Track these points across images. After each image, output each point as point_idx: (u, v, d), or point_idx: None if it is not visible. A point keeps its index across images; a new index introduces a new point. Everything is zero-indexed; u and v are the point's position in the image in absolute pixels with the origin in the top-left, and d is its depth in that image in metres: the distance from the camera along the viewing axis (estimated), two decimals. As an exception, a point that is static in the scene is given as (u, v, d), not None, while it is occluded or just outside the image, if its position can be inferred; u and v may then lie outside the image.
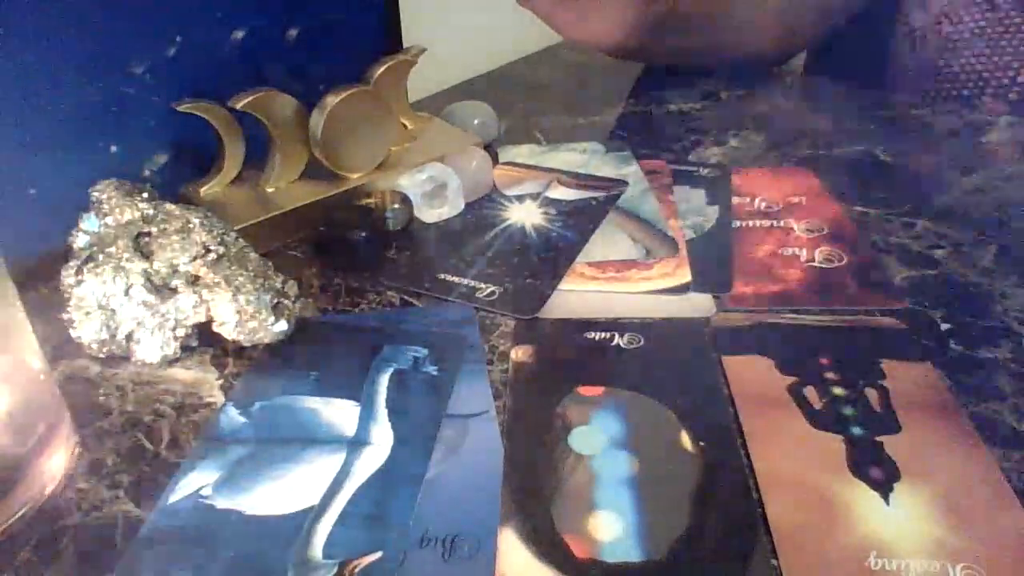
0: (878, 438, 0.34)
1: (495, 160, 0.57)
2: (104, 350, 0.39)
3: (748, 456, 0.33)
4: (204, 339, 0.40)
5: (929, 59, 0.77)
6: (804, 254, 0.47)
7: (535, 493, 0.32)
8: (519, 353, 0.39)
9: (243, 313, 0.38)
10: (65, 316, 0.38)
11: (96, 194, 0.41)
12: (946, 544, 0.29)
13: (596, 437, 0.34)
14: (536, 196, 0.53)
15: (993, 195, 0.53)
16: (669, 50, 0.70)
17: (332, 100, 0.47)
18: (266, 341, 0.39)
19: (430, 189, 0.50)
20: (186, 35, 0.48)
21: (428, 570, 0.29)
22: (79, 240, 0.40)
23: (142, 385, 0.38)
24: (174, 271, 0.38)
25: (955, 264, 0.46)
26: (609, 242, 0.48)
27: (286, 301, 0.39)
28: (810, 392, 0.36)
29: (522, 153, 0.59)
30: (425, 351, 0.39)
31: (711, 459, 0.33)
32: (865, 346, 0.39)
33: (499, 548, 0.29)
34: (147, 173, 0.50)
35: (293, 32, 0.54)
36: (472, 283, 0.44)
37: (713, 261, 0.46)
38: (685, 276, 0.45)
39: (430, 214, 0.50)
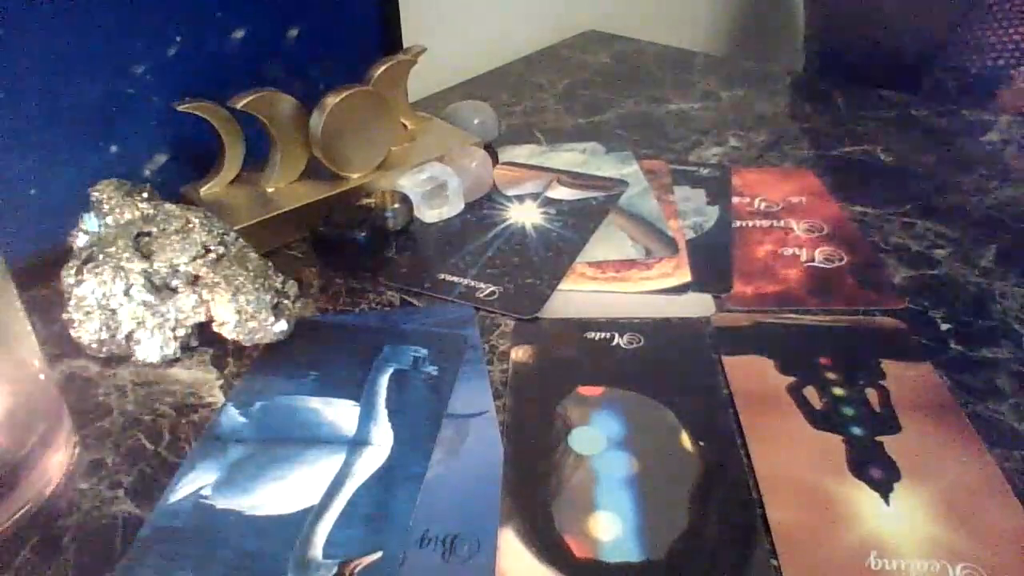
0: (878, 438, 0.34)
1: (495, 160, 0.57)
2: (104, 350, 0.38)
3: (748, 456, 0.33)
4: (204, 339, 0.40)
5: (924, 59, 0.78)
6: (804, 254, 0.47)
7: (535, 493, 0.32)
8: (519, 353, 0.39)
9: (243, 313, 0.38)
10: (65, 316, 0.38)
11: (96, 194, 0.41)
12: (946, 544, 0.29)
13: (596, 437, 0.34)
14: (536, 196, 0.53)
15: (993, 195, 0.53)
16: None
17: (332, 100, 0.47)
18: (266, 341, 0.39)
19: (430, 189, 0.50)
20: (186, 35, 0.48)
21: (428, 570, 0.29)
22: (79, 240, 0.40)
23: (142, 385, 0.38)
24: (174, 271, 0.38)
25: (955, 264, 0.46)
26: (609, 242, 0.48)
27: (286, 301, 0.39)
28: (810, 392, 0.36)
29: (522, 153, 0.59)
30: (425, 351, 0.39)
31: (711, 459, 0.33)
32: (865, 346, 0.39)
33: (499, 548, 0.29)
34: (147, 173, 0.50)
35: (293, 32, 0.54)
36: (472, 283, 0.44)
37: (713, 261, 0.46)
38: (685, 276, 0.45)
39: (430, 214, 0.50)
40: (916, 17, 0.82)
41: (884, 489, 0.31)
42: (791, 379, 0.37)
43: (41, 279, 0.43)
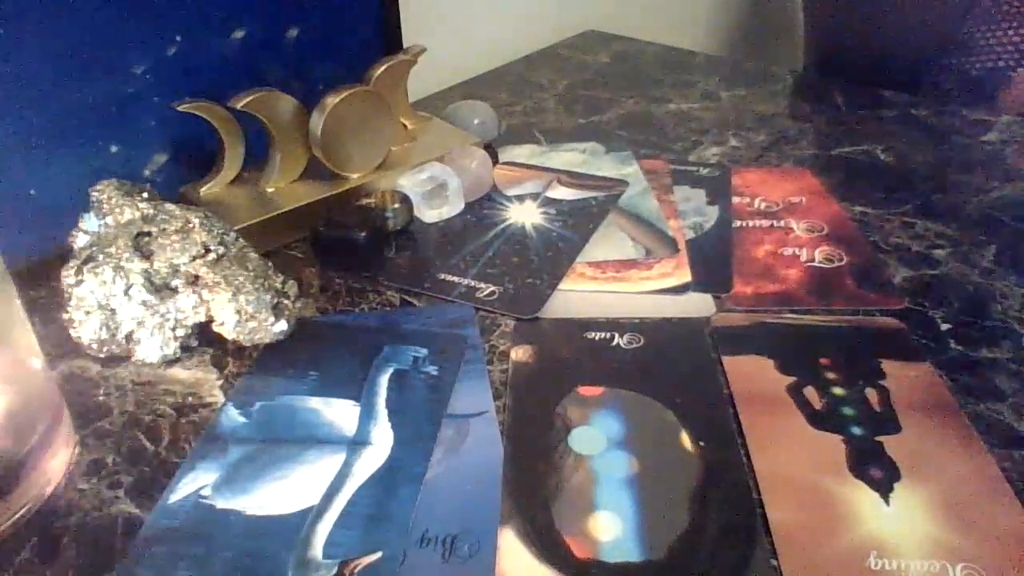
0: (878, 438, 0.34)
1: (495, 160, 0.57)
2: (104, 350, 0.38)
3: (748, 456, 0.33)
4: (204, 339, 0.40)
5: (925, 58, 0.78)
6: (804, 254, 0.47)
7: (535, 493, 0.32)
8: (519, 353, 0.39)
9: (243, 313, 0.38)
10: (65, 316, 0.38)
11: (96, 194, 0.41)
12: (946, 544, 0.29)
13: (596, 437, 0.34)
14: (536, 196, 0.53)
15: (993, 195, 0.53)
16: None
17: (332, 100, 0.47)
18: (266, 341, 0.39)
19: (430, 189, 0.50)
20: (186, 35, 0.48)
21: (428, 570, 0.29)
22: (79, 240, 0.40)
23: (142, 385, 0.38)
24: (174, 271, 0.38)
25: (955, 264, 0.46)
26: (609, 242, 0.48)
27: (286, 301, 0.39)
28: (810, 392, 0.36)
29: (522, 153, 0.59)
30: (425, 351, 0.39)
31: (711, 459, 0.33)
32: (865, 346, 0.39)
33: (499, 548, 0.29)
34: (147, 173, 0.50)
35: (293, 32, 0.54)
36: (472, 283, 0.44)
37: (713, 261, 0.46)
38: (685, 276, 0.45)
39: (430, 214, 0.50)
40: (916, 18, 0.82)
41: (884, 489, 0.31)
42: (791, 379, 0.37)
43: (41, 279, 0.43)
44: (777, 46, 1.19)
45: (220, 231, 0.40)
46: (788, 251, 0.47)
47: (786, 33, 1.17)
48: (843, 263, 0.46)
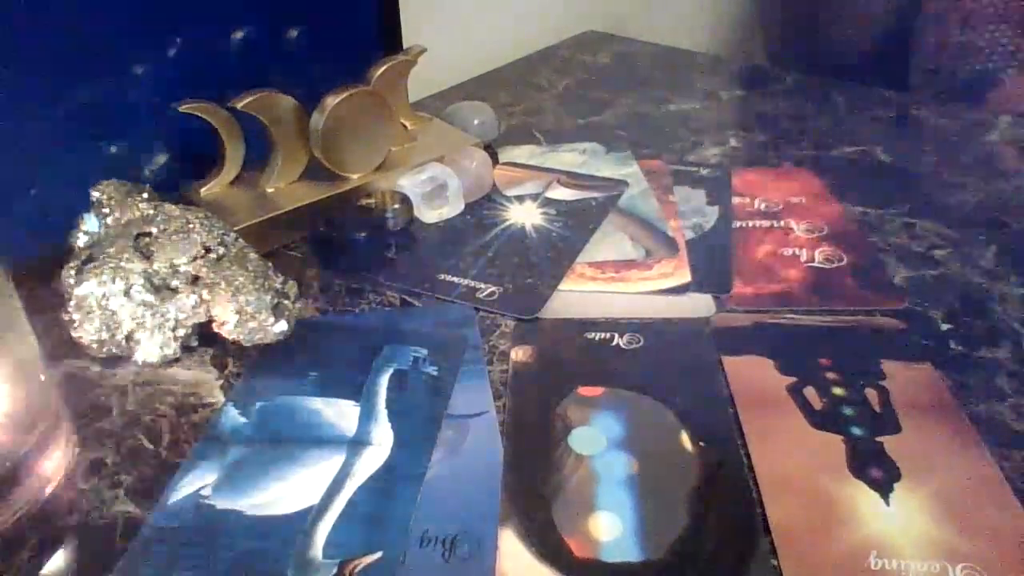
0: (878, 438, 0.34)
1: (495, 160, 0.57)
2: (104, 350, 0.38)
3: (748, 456, 0.33)
4: (204, 339, 0.40)
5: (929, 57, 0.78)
6: (804, 254, 0.47)
7: (535, 493, 0.32)
8: (519, 353, 0.39)
9: (243, 313, 0.38)
10: (65, 316, 0.38)
11: (96, 194, 0.41)
12: (946, 544, 0.29)
13: (596, 437, 0.34)
14: (536, 196, 0.53)
15: (993, 195, 0.53)
16: None
17: (332, 100, 0.47)
18: (266, 341, 0.39)
19: (430, 189, 0.50)
20: (186, 35, 0.48)
21: (428, 570, 0.29)
22: (79, 240, 0.40)
23: (142, 385, 0.38)
24: (174, 271, 0.38)
25: (955, 264, 0.46)
26: (609, 242, 0.48)
27: (286, 301, 0.39)
28: (810, 392, 0.36)
29: (522, 153, 0.59)
30: (425, 351, 0.39)
31: (711, 459, 0.33)
32: (865, 346, 0.39)
33: (499, 548, 0.29)
34: (147, 173, 0.50)
35: (293, 32, 0.54)
36: (472, 283, 0.44)
37: (713, 261, 0.46)
38: (685, 276, 0.45)
39: (430, 214, 0.50)
40: (866, 11, 0.82)
41: (884, 489, 0.31)
42: (791, 379, 0.37)
43: (41, 279, 0.43)
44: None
45: (220, 231, 0.40)
46: (788, 251, 0.47)
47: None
48: (843, 263, 0.46)
